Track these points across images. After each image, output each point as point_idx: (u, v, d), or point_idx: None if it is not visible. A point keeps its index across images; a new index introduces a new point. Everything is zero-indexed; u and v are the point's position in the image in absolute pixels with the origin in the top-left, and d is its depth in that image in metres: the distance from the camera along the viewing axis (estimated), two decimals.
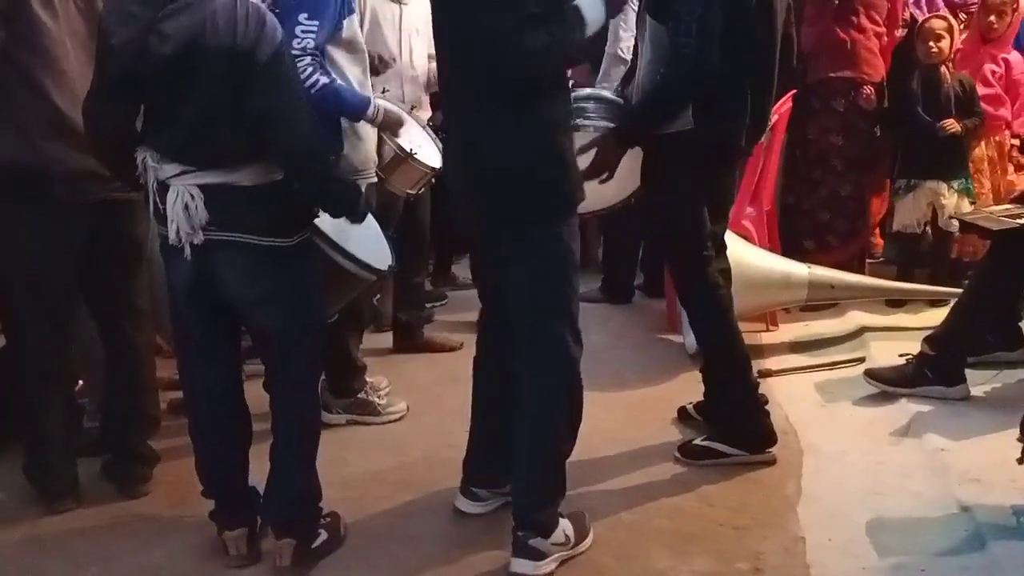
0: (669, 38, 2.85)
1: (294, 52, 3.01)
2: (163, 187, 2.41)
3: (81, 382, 3.44)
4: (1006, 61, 4.69)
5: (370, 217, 3.07)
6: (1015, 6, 4.62)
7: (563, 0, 2.43)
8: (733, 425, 3.13)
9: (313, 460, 2.65)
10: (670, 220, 3.10)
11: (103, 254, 2.92)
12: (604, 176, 2.95)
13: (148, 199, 2.47)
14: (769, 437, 3.11)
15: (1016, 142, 4.79)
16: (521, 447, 2.57)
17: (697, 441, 3.16)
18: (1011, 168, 4.77)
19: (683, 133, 2.90)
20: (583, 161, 2.85)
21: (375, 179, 3.41)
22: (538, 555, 2.49)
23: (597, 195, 3.04)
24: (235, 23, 2.29)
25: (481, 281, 2.83)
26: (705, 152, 2.95)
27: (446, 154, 2.84)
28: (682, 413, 3.47)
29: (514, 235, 2.51)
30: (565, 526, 2.58)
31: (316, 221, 2.61)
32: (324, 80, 3.06)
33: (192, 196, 2.36)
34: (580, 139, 3.01)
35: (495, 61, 2.36)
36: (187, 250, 2.40)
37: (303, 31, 3.03)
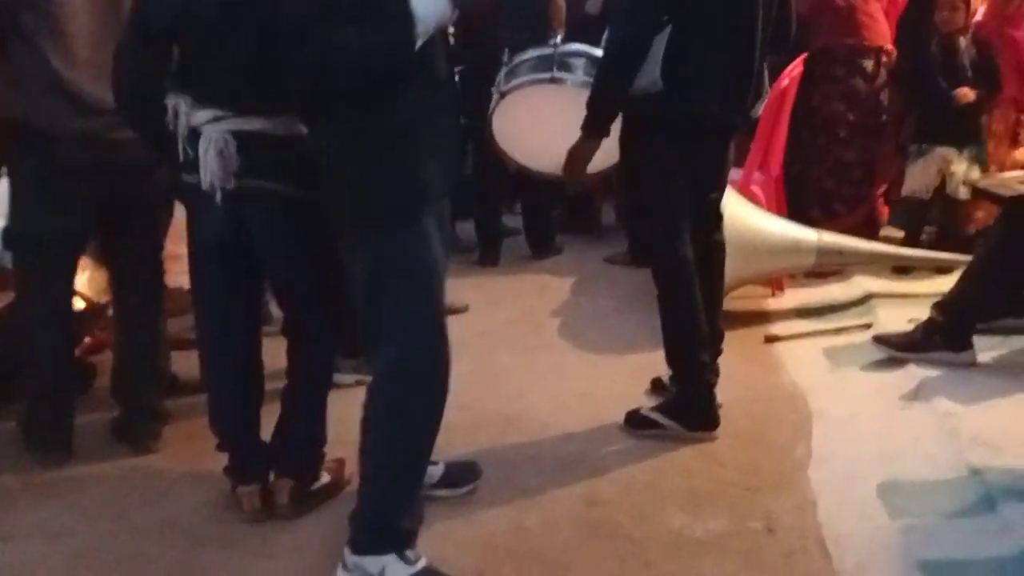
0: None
1: None
2: (194, 134, 2.39)
3: (89, 339, 3.45)
4: (1015, 39, 4.66)
5: None
6: None
7: None
8: (677, 398, 3.12)
9: (324, 408, 2.68)
10: (637, 188, 3.07)
11: (113, 213, 2.92)
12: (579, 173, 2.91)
13: (170, 146, 2.44)
14: (707, 419, 3.05)
15: None
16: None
17: (643, 410, 3.14)
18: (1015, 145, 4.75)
19: (653, 96, 2.81)
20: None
21: None
22: None
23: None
24: None
25: None
26: (678, 123, 2.86)
27: None
28: (656, 384, 3.41)
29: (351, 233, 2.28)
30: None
31: None
32: None
33: (226, 141, 2.35)
34: (559, 93, 2.82)
35: (284, 63, 2.12)
36: (218, 196, 2.38)
37: None
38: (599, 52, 3.34)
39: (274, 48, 2.12)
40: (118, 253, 3.07)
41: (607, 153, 3.13)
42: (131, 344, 3.11)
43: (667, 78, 2.79)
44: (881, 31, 4.62)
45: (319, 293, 2.58)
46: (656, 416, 3.09)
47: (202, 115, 2.37)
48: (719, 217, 3.20)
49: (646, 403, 3.20)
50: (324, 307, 2.61)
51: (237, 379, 2.65)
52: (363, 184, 2.18)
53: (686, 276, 3.00)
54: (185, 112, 2.39)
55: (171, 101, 2.41)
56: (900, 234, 4.83)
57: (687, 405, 3.07)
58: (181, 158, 2.43)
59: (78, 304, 3.46)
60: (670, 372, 3.21)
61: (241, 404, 2.67)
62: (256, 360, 2.68)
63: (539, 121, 2.90)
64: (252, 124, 2.36)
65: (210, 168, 2.36)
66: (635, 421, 3.13)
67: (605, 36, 2.94)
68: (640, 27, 2.76)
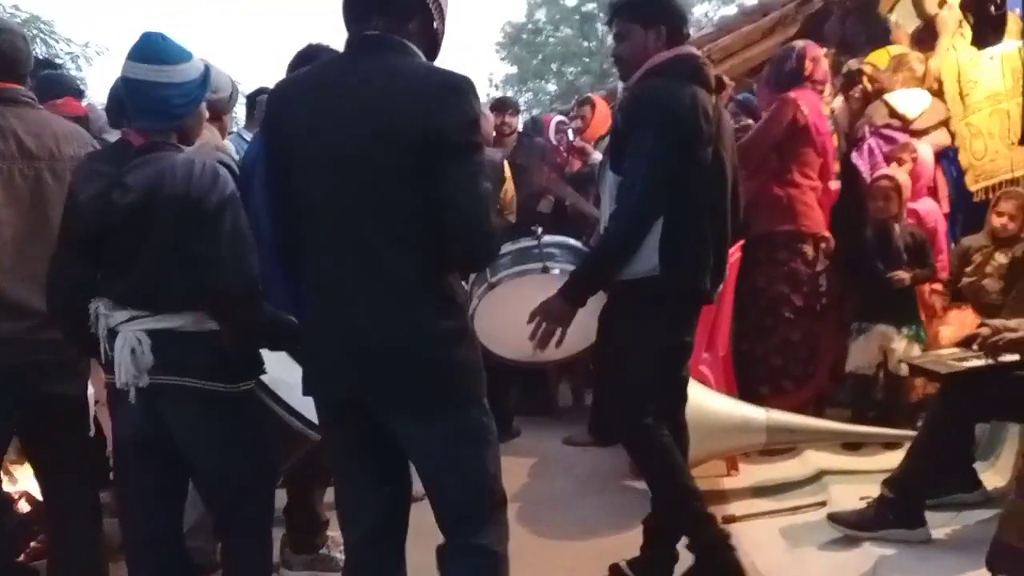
0: (617, 191, 3.00)
1: None
2: (112, 334, 2.45)
3: (34, 544, 3.36)
4: (915, 211, 4.94)
5: None
6: (913, 155, 4.91)
7: None
8: (698, 565, 3.13)
9: None
10: (621, 366, 3.15)
11: (36, 415, 2.88)
12: (557, 337, 2.97)
13: (99, 348, 2.49)
14: (732, 571, 3.10)
15: (937, 287, 4.97)
16: None
17: None
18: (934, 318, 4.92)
19: (648, 279, 2.99)
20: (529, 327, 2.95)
21: None
22: None
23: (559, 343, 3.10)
24: (191, 174, 2.40)
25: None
26: (668, 296, 3.03)
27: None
28: (615, 570, 3.38)
29: (422, 419, 2.27)
30: None
31: (263, 377, 2.64)
32: None
33: (139, 340, 2.41)
34: (549, 283, 3.07)
35: (461, 237, 2.17)
36: (132, 393, 2.42)
37: None
38: (575, 242, 3.49)
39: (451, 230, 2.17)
40: (45, 457, 3.01)
41: (576, 338, 3.23)
42: (66, 550, 3.01)
43: (665, 261, 2.97)
44: (817, 218, 4.85)
45: (248, 487, 2.58)
46: None
47: (119, 315, 2.45)
48: (685, 397, 3.30)
49: None
50: (254, 500, 2.61)
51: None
52: (455, 362, 2.25)
53: (665, 443, 3.10)
54: (104, 314, 2.46)
55: (92, 305, 2.48)
56: (847, 411, 4.91)
57: (711, 565, 3.10)
58: (103, 359, 2.49)
59: (23, 507, 3.39)
60: (635, 556, 3.24)
61: None
62: (177, 557, 2.63)
63: (523, 311, 3.01)
64: (164, 323, 2.43)
65: (124, 366, 2.41)
66: None
67: (605, 225, 3.11)
68: (644, 224, 2.95)
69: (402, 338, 2.19)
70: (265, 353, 2.66)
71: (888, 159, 4.97)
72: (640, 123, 2.98)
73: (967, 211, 5.18)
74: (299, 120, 2.24)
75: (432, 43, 2.32)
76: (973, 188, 5.09)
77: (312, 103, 2.23)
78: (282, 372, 2.80)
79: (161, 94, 2.45)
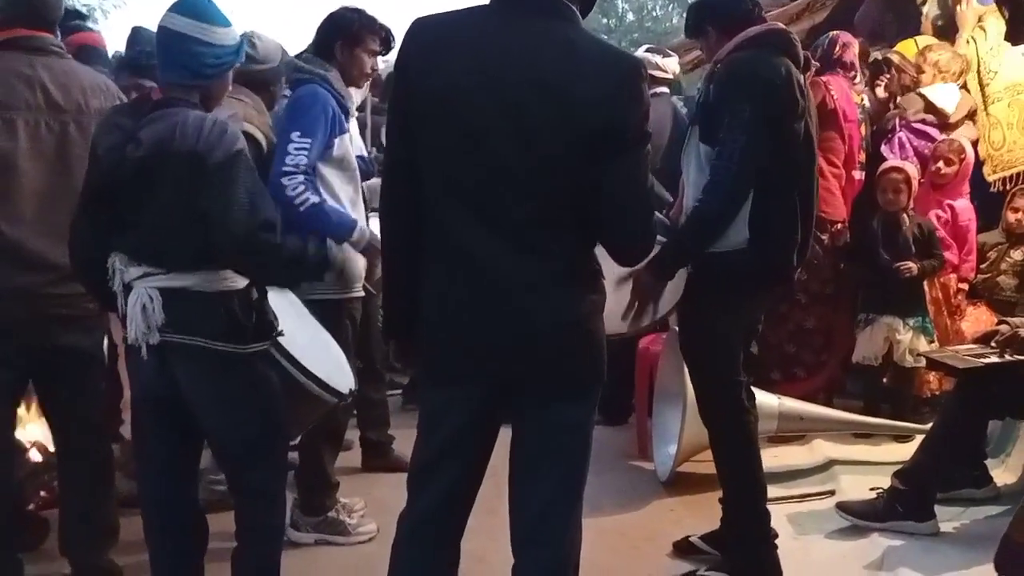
0: (713, 162, 2.94)
1: (287, 169, 3.12)
2: (127, 289, 2.44)
3: (44, 493, 3.37)
4: (951, 208, 4.89)
5: (333, 342, 3.16)
6: (962, 156, 4.86)
7: None
8: (741, 555, 3.14)
9: (277, 570, 2.64)
10: (707, 342, 3.12)
11: (50, 367, 2.89)
12: (650, 314, 2.92)
13: (117, 303, 2.48)
14: (774, 571, 3.10)
15: (964, 286, 4.94)
16: None
17: (702, 572, 3.16)
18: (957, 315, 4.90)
19: (735, 253, 2.95)
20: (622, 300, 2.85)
21: (361, 293, 3.46)
22: None
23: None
24: (200, 130, 2.37)
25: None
26: (754, 271, 2.99)
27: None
28: (683, 545, 3.43)
29: (575, 398, 2.19)
30: None
31: (281, 340, 2.62)
32: (314, 199, 3.13)
33: (151, 298, 2.40)
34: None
35: (620, 233, 2.11)
36: (144, 350, 2.41)
37: (296, 148, 3.12)
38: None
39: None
40: (58, 409, 3.02)
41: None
42: (76, 502, 3.03)
43: (754, 235, 2.94)
44: (837, 206, 4.81)
45: (257, 449, 2.58)
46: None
47: (133, 271, 2.44)
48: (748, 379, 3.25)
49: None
50: (265, 463, 2.61)
51: (173, 533, 2.60)
52: (601, 336, 2.15)
53: (751, 427, 3.11)
54: (120, 269, 2.45)
55: (111, 260, 2.47)
56: (857, 402, 4.89)
57: (752, 559, 3.11)
58: (120, 314, 2.49)
59: (35, 456, 3.40)
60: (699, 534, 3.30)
61: (178, 558, 2.61)
62: (193, 513, 2.64)
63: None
64: (175, 281, 2.42)
65: (135, 322, 2.40)
66: None
67: (698, 196, 3.01)
68: (742, 195, 2.92)
69: (567, 318, 2.07)
70: (283, 314, 2.64)
71: (935, 158, 4.88)
72: (736, 95, 2.93)
73: (982, 203, 5.13)
74: (454, 75, 2.00)
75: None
76: (991, 178, 5.06)
77: (470, 62, 2.00)
78: (299, 334, 2.80)
79: (195, 49, 2.43)
